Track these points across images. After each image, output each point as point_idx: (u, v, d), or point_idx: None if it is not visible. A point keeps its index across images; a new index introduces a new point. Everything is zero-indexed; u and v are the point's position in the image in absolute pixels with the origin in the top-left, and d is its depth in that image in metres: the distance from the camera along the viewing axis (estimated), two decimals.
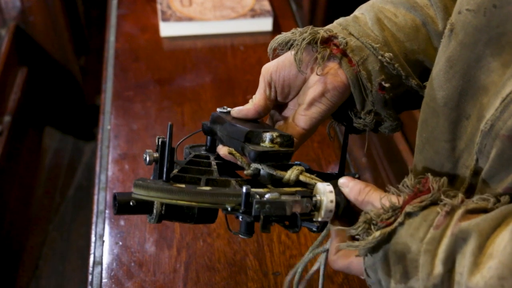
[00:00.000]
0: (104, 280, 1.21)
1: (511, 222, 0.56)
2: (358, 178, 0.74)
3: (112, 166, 1.48)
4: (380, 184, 2.46)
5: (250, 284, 1.19)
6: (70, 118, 2.96)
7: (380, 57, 0.78)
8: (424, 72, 0.80)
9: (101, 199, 1.39)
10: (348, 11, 0.86)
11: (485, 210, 0.61)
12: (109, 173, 1.46)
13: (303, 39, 0.79)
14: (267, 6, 1.94)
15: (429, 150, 0.74)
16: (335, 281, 1.21)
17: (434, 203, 0.64)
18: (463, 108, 0.67)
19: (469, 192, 0.68)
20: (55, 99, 2.84)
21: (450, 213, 0.61)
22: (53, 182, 2.74)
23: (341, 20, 0.83)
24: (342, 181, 0.73)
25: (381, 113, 0.81)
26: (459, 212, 0.60)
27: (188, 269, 1.22)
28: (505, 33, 0.60)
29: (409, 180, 0.68)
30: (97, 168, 1.50)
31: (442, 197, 0.63)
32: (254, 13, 1.90)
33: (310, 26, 0.80)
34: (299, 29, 0.81)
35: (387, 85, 0.77)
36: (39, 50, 2.63)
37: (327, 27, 0.82)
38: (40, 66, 2.68)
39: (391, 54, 0.78)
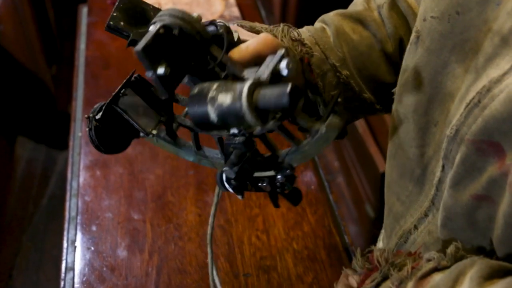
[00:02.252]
0: (76, 286, 1.22)
1: (464, 281, 0.56)
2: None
3: (83, 172, 1.49)
4: (354, 187, 2.50)
5: (221, 286, 1.21)
6: (42, 127, 2.95)
7: (338, 73, 0.80)
8: (377, 86, 0.83)
9: (73, 206, 1.40)
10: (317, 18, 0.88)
11: (436, 268, 0.61)
12: (80, 180, 1.47)
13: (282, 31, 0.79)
14: (236, 12, 1.97)
15: (401, 155, 0.75)
16: (305, 281, 1.24)
17: (385, 277, 0.64)
18: (431, 114, 0.68)
19: (436, 202, 0.69)
20: (27, 109, 2.83)
21: (401, 286, 0.62)
22: (26, 192, 2.73)
23: (310, 27, 0.84)
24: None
25: None
26: (410, 284, 0.61)
27: (160, 272, 1.24)
28: (468, 39, 0.61)
29: (357, 261, 0.68)
30: (69, 175, 1.51)
31: (391, 271, 0.64)
32: (223, 19, 1.92)
33: (282, 24, 0.81)
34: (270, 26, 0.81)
35: (340, 99, 0.76)
36: (10, 59, 2.61)
37: (298, 30, 0.82)
38: (12, 75, 2.66)
39: (347, 72, 0.80)
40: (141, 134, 0.73)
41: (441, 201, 0.66)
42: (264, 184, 0.69)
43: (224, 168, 0.67)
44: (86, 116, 0.72)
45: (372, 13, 0.83)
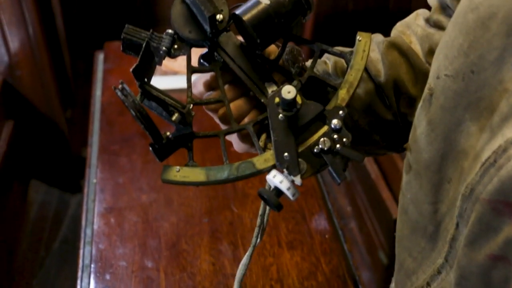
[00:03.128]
0: None
1: None
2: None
3: (97, 219, 1.50)
4: (366, 233, 2.49)
5: None
6: (56, 171, 2.97)
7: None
8: (374, 120, 0.84)
9: (87, 253, 1.41)
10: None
11: None
12: (94, 227, 1.48)
13: None
14: None
15: (413, 211, 0.75)
16: None
17: None
18: (445, 171, 0.68)
19: (450, 259, 0.69)
20: (41, 152, 2.86)
21: None
22: (38, 235, 2.73)
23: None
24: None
25: None
26: None
27: None
28: (483, 98, 0.61)
29: None
30: (83, 222, 1.52)
31: None
32: None
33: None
34: None
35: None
36: (26, 104, 2.65)
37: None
38: (27, 119, 2.70)
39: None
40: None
41: (455, 259, 0.66)
42: (321, 147, 0.66)
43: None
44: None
45: (370, 55, 0.85)
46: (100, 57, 2.20)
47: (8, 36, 2.43)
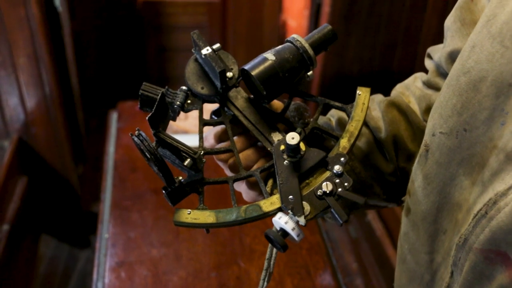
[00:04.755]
0: None
1: None
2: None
3: (109, 274, 1.54)
4: None
5: None
6: (66, 226, 3.01)
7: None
8: (376, 173, 0.89)
9: None
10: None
11: None
12: (106, 281, 1.52)
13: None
14: None
15: (411, 261, 0.79)
16: None
17: None
18: (440, 222, 0.72)
19: None
20: (53, 207, 2.91)
21: None
22: None
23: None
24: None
25: None
26: None
27: None
28: (475, 154, 0.66)
29: None
30: (94, 276, 1.56)
31: None
32: None
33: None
34: None
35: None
36: (40, 160, 2.72)
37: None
38: (40, 175, 2.76)
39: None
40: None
41: None
42: (324, 190, 0.70)
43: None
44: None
45: (371, 113, 0.90)
46: (114, 116, 2.28)
47: (25, 96, 2.52)
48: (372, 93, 0.84)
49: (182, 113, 0.81)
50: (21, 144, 2.62)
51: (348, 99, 0.85)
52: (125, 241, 1.66)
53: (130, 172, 1.93)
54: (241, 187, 0.82)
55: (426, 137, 0.75)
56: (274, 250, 0.83)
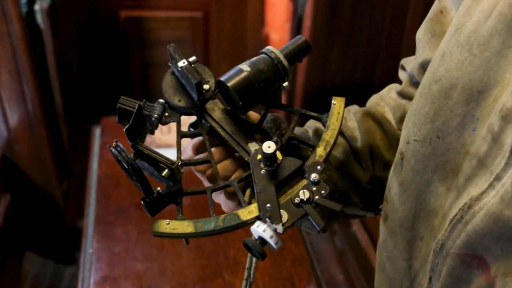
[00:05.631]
0: None
1: None
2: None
3: None
4: None
5: None
6: (51, 242, 2.98)
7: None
8: (353, 182, 0.90)
9: None
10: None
11: None
12: None
13: None
14: None
15: (389, 268, 0.79)
16: None
17: None
18: (417, 229, 0.73)
19: None
20: (37, 224, 2.88)
21: None
22: None
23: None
24: None
25: None
26: None
27: None
28: (449, 160, 0.67)
29: None
30: None
31: None
32: None
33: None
34: None
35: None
36: (23, 177, 2.70)
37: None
38: (24, 192, 2.74)
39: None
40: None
41: None
42: (301, 198, 0.71)
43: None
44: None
45: (347, 123, 0.91)
46: (97, 131, 2.28)
47: (8, 112, 2.50)
48: (354, 104, 0.85)
49: (165, 127, 0.81)
50: (4, 161, 2.60)
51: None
52: (109, 256, 1.65)
53: (113, 187, 1.92)
54: (219, 198, 0.83)
55: (401, 145, 0.76)
56: (254, 259, 0.83)
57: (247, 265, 0.83)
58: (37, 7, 2.46)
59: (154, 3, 3.42)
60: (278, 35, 3.48)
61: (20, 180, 2.71)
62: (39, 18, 2.49)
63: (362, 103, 0.98)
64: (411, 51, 0.89)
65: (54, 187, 2.79)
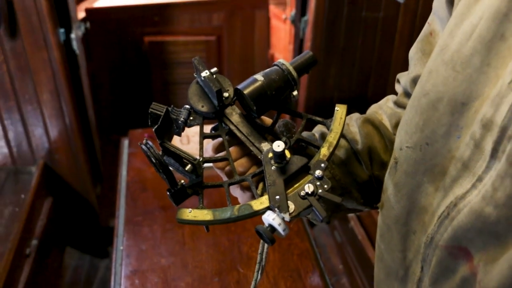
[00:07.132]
0: None
1: None
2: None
3: (124, 281, 1.53)
4: (356, 287, 2.49)
5: None
6: (87, 239, 2.99)
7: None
8: (353, 180, 0.89)
9: None
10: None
11: None
12: None
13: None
14: None
15: (387, 258, 0.79)
16: None
17: None
18: (410, 224, 0.72)
19: None
20: (75, 223, 2.89)
21: None
22: None
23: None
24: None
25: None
26: None
27: None
28: (437, 164, 0.67)
29: None
30: (112, 283, 1.54)
31: None
32: None
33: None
34: None
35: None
36: (63, 183, 2.72)
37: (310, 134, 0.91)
38: (63, 195, 2.75)
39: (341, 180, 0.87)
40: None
41: None
42: (306, 191, 0.70)
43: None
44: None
45: (349, 128, 0.91)
46: (125, 142, 2.27)
47: (49, 127, 2.52)
48: (349, 113, 0.84)
49: (184, 138, 0.81)
50: (46, 169, 2.61)
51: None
52: (137, 252, 1.64)
53: (140, 192, 1.92)
54: (236, 192, 0.83)
55: (395, 151, 0.77)
56: (266, 245, 0.83)
57: (259, 250, 0.83)
58: (73, 35, 2.47)
59: (174, 29, 3.42)
60: (282, 55, 3.47)
61: (60, 185, 2.72)
62: (75, 45, 2.49)
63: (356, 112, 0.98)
64: (400, 68, 0.89)
65: (89, 191, 2.80)
